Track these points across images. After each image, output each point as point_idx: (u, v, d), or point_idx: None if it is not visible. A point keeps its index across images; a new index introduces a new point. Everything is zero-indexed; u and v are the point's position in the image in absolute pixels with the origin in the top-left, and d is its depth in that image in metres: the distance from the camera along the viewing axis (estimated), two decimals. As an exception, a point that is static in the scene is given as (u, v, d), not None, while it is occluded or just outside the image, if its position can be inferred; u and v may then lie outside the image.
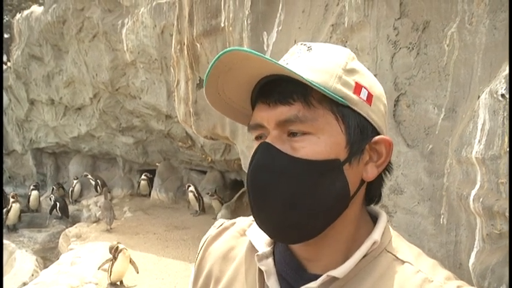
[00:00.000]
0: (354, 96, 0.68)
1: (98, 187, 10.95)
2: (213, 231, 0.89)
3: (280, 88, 0.67)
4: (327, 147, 0.66)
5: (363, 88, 0.69)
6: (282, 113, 0.67)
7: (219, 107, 0.75)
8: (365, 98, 0.69)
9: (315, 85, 0.64)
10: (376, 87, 0.72)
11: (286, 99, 0.66)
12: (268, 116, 0.68)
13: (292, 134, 0.67)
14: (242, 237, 0.83)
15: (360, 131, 0.68)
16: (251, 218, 0.86)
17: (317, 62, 0.68)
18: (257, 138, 0.72)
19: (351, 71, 0.69)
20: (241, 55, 0.65)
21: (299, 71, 0.65)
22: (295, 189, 0.65)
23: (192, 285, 0.87)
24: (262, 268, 0.74)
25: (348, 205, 0.69)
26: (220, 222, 0.90)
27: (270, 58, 0.64)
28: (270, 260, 0.74)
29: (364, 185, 0.71)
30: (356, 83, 0.69)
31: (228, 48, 0.65)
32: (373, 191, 0.74)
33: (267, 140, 0.68)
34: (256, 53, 0.64)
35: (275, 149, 0.66)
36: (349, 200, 0.69)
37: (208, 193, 9.11)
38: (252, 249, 0.79)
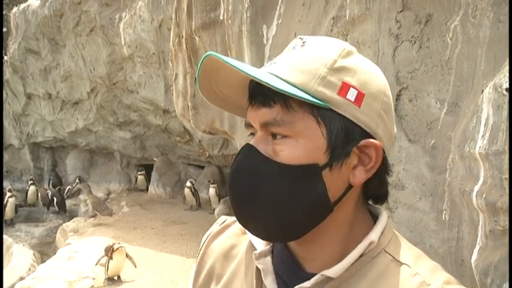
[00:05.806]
0: (338, 98, 0.64)
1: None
2: (215, 228, 0.89)
3: (264, 90, 0.65)
4: (305, 151, 0.65)
5: (351, 88, 0.65)
6: (263, 115, 0.67)
7: (216, 102, 0.75)
8: (353, 99, 0.65)
9: (283, 90, 0.61)
10: (371, 84, 0.67)
11: (268, 101, 0.66)
12: (253, 117, 0.69)
13: (274, 136, 0.67)
14: (243, 235, 0.83)
15: (344, 134, 0.65)
16: None
17: (303, 61, 0.66)
18: (251, 135, 0.72)
19: (338, 70, 0.65)
20: (217, 61, 0.65)
21: (280, 72, 0.65)
22: (272, 193, 0.65)
23: (193, 281, 0.86)
24: (260, 267, 0.74)
25: (333, 209, 0.67)
26: (223, 219, 0.90)
27: (238, 65, 0.62)
28: (268, 259, 0.74)
29: (355, 188, 0.69)
30: (343, 83, 0.65)
31: (207, 53, 0.65)
32: (371, 192, 0.72)
33: (251, 142, 0.69)
34: (227, 60, 0.63)
35: (256, 152, 0.67)
36: (332, 205, 0.67)
37: (209, 181, 9.14)
38: (251, 247, 0.79)
